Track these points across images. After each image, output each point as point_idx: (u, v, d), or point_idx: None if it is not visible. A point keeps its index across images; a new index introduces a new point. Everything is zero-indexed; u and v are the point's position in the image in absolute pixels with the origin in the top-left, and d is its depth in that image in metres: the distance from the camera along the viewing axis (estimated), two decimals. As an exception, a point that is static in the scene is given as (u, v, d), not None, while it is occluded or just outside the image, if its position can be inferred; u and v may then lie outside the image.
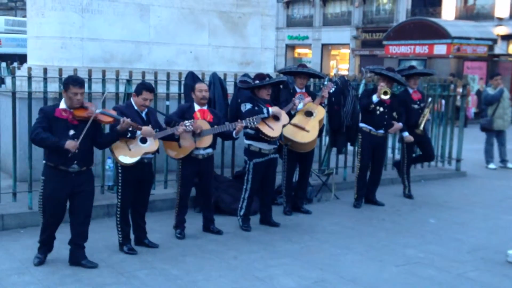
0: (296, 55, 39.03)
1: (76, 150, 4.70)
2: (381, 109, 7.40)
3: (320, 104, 6.93)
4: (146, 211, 5.75)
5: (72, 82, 4.80)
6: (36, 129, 4.75)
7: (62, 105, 4.87)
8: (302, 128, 6.72)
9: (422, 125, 7.93)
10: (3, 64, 9.93)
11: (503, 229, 6.57)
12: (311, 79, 8.26)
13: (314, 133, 6.82)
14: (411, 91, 7.97)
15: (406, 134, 7.77)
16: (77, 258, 5.01)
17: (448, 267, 5.31)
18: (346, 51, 35.47)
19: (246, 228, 6.36)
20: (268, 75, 6.70)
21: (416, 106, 7.93)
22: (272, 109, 6.16)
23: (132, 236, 5.60)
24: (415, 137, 7.98)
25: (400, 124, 7.56)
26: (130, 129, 5.16)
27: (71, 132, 4.80)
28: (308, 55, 37.85)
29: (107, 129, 5.71)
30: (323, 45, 36.34)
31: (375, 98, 7.32)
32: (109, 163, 6.98)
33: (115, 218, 5.52)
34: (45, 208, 4.96)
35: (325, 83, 7.81)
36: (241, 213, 6.43)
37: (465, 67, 19.08)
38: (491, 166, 10.78)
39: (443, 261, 5.47)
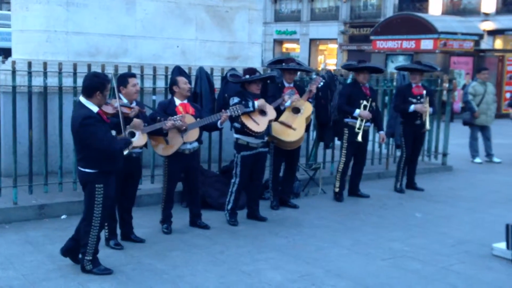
0: (284, 49, 38.99)
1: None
2: (364, 102, 7.40)
3: (308, 99, 6.90)
4: (133, 206, 5.72)
5: (108, 80, 4.67)
6: (105, 137, 4.52)
7: (94, 107, 4.56)
8: (289, 126, 6.70)
9: (427, 124, 7.99)
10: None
11: (488, 223, 6.62)
12: (299, 73, 8.26)
13: (300, 131, 6.79)
14: (413, 85, 7.99)
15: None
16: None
17: (433, 260, 5.35)
18: (334, 46, 35.51)
19: (233, 222, 6.35)
20: (255, 70, 6.68)
21: (414, 100, 7.96)
22: (258, 103, 6.13)
23: (118, 231, 5.57)
24: (414, 132, 8.05)
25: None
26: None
27: (113, 132, 4.78)
28: (296, 50, 37.84)
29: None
30: (311, 40, 36.36)
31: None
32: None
33: (101, 213, 5.48)
34: (104, 215, 4.76)
35: (313, 77, 7.79)
36: (229, 207, 6.42)
37: (451, 62, 19.17)
38: (477, 160, 10.86)
39: (429, 255, 5.51)
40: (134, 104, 5.42)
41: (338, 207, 7.33)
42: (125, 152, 4.85)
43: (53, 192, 6.63)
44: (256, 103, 6.11)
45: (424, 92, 7.96)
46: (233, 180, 6.39)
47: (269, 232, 6.11)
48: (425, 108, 7.88)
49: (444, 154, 10.08)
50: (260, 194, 7.36)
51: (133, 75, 5.50)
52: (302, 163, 8.38)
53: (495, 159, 10.92)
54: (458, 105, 16.40)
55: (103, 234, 5.42)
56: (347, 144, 7.52)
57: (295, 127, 6.72)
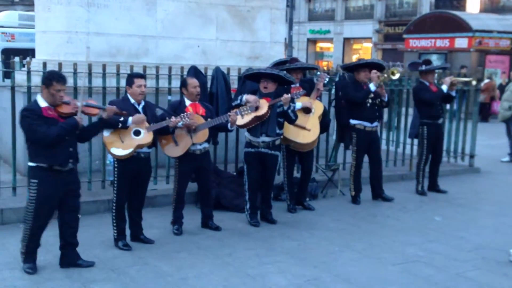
0: (317, 49, 38.70)
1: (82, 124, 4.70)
2: (370, 100, 7.17)
3: (316, 98, 6.74)
4: (143, 206, 5.70)
5: (57, 78, 4.62)
6: (40, 129, 4.49)
7: (43, 103, 4.63)
8: (303, 128, 6.58)
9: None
10: (16, 59, 10.00)
11: (509, 227, 6.36)
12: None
13: (315, 131, 6.67)
14: (427, 84, 7.76)
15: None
16: (72, 259, 4.91)
17: (447, 266, 5.16)
18: (369, 45, 35.01)
19: (254, 223, 6.28)
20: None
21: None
22: (246, 96, 6.01)
23: (128, 232, 5.58)
24: (436, 132, 7.81)
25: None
26: (121, 119, 5.13)
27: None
28: (330, 50, 37.51)
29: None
30: (345, 39, 35.95)
31: (372, 86, 7.05)
32: (110, 157, 6.95)
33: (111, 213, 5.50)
34: (38, 213, 4.69)
35: (317, 74, 7.61)
36: (247, 206, 6.36)
37: (487, 61, 18.63)
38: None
39: (443, 260, 5.32)
40: (142, 105, 5.42)
41: (355, 209, 7.17)
42: (119, 153, 4.94)
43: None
44: (245, 96, 6.00)
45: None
46: (244, 179, 6.35)
47: (281, 235, 6.01)
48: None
49: (471, 156, 9.77)
50: (276, 195, 7.30)
51: (140, 76, 5.48)
52: (321, 164, 8.26)
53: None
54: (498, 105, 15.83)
55: (112, 235, 5.46)
56: (356, 147, 7.31)
57: (309, 128, 6.60)
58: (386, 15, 33.67)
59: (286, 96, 6.04)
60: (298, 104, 6.52)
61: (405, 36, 22.02)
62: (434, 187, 8.13)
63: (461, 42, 19.39)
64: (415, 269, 5.09)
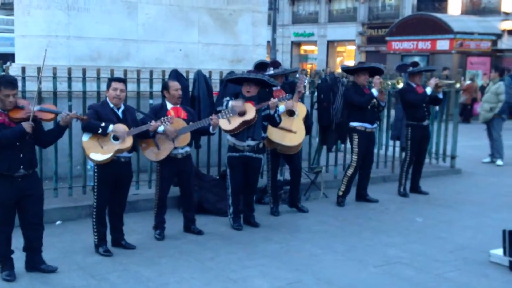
0: (302, 52, 38.83)
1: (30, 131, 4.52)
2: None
3: (298, 100, 6.74)
4: (124, 211, 5.66)
5: (4, 83, 4.51)
6: None
7: None
8: (289, 130, 6.60)
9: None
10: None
11: (490, 228, 6.41)
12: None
13: (301, 134, 6.70)
14: (414, 85, 7.81)
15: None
16: (35, 263, 4.84)
17: (428, 267, 5.19)
18: (352, 48, 35.20)
19: (237, 227, 6.27)
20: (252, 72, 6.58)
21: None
22: (232, 102, 5.99)
23: (109, 238, 5.53)
24: (420, 133, 7.87)
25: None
26: (102, 125, 5.09)
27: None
28: (314, 52, 37.64)
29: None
30: (328, 41, 36.11)
31: (375, 92, 7.21)
32: (90, 162, 6.89)
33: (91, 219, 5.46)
34: None
35: (297, 76, 7.65)
36: (230, 211, 6.35)
37: (468, 63, 18.83)
38: (499, 162, 10.58)
39: (424, 261, 5.35)
40: (121, 109, 5.38)
41: (338, 211, 7.19)
42: (98, 158, 4.86)
43: (48, 198, 6.53)
44: (231, 102, 6.00)
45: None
46: (227, 183, 6.33)
47: (263, 238, 6.00)
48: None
49: (453, 157, 9.85)
50: (260, 198, 7.30)
51: (118, 79, 5.44)
52: (304, 166, 8.26)
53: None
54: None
55: (92, 241, 5.41)
56: (358, 148, 7.35)
57: (295, 130, 6.62)
58: (369, 18, 33.87)
59: (274, 101, 6.09)
60: (282, 107, 6.53)
61: (387, 38, 22.19)
62: (416, 188, 8.19)
63: (442, 44, 19.59)
64: (396, 271, 5.11)
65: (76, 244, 5.63)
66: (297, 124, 6.66)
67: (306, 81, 7.18)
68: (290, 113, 6.65)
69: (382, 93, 7.35)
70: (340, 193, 7.48)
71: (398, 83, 7.54)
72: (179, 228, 6.16)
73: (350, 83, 7.91)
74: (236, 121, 5.98)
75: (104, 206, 5.44)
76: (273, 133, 6.51)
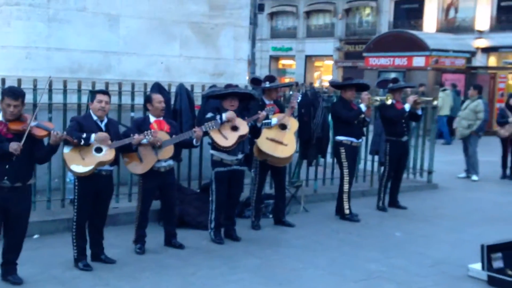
0: (280, 66, 39.14)
1: (18, 153, 4.50)
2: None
3: (291, 115, 6.92)
4: (104, 225, 5.61)
5: (7, 93, 4.60)
6: None
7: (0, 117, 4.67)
8: (280, 142, 6.69)
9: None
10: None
11: (467, 243, 6.51)
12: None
13: (292, 146, 6.83)
14: (394, 101, 7.92)
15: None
16: (5, 272, 4.82)
17: (408, 282, 5.25)
18: (330, 63, 35.63)
19: (219, 241, 6.26)
20: (236, 86, 6.66)
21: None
22: (226, 114, 6.03)
23: (88, 252, 5.46)
24: (399, 149, 7.97)
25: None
26: (84, 136, 5.06)
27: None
28: (292, 66, 37.99)
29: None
30: (306, 56, 36.53)
31: (363, 107, 7.37)
32: (70, 175, 6.83)
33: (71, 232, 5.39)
34: None
35: (291, 93, 7.79)
36: (212, 225, 6.33)
37: (443, 79, 19.16)
38: (474, 177, 10.77)
39: (404, 276, 5.41)
40: (104, 122, 5.36)
41: (318, 225, 7.22)
42: (79, 170, 4.86)
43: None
44: (224, 114, 6.04)
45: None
46: (210, 198, 6.33)
47: (245, 252, 6.01)
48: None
49: (430, 172, 10.00)
50: (240, 212, 7.31)
51: (102, 92, 5.44)
52: (284, 181, 8.29)
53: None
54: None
55: (72, 255, 5.34)
56: (347, 161, 7.43)
57: (286, 143, 6.72)
58: (346, 34, 34.37)
59: (264, 114, 6.27)
60: (274, 120, 6.70)
61: (365, 54, 22.47)
62: (394, 203, 8.28)
63: (418, 60, 19.91)
64: (377, 285, 5.16)
65: (54, 258, 5.55)
66: (288, 137, 6.79)
67: (299, 98, 7.30)
68: (282, 126, 6.75)
69: (369, 109, 7.53)
70: (347, 211, 7.47)
71: (387, 99, 7.65)
72: (159, 242, 6.12)
73: (337, 98, 8.03)
74: (233, 137, 6.03)
75: (85, 220, 5.38)
76: (265, 144, 6.60)
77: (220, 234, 6.37)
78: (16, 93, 4.66)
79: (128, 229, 6.41)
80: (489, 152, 12.11)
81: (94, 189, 5.29)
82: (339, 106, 7.54)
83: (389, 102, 7.67)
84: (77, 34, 8.10)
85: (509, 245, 5.45)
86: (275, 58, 38.71)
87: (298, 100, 7.30)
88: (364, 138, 8.22)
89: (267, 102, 6.92)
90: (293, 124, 6.92)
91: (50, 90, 6.61)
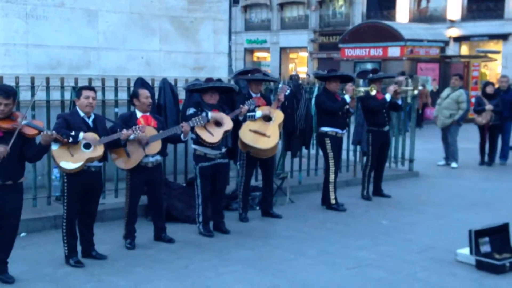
0: (255, 58, 39.12)
1: (4, 155, 4.45)
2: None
3: (277, 107, 6.92)
4: (94, 221, 5.58)
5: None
6: None
7: None
8: (263, 134, 6.70)
9: None
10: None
11: (453, 228, 6.65)
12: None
13: (275, 138, 6.82)
14: (374, 92, 8.00)
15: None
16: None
17: (398, 268, 5.34)
18: (304, 54, 35.76)
19: (208, 234, 6.28)
20: (219, 80, 6.64)
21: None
22: (212, 114, 6.07)
23: (79, 248, 5.42)
24: (381, 139, 8.06)
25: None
26: (72, 133, 5.01)
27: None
28: (267, 59, 38.01)
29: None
30: (281, 48, 36.58)
31: (348, 98, 7.44)
32: (55, 172, 6.77)
33: (61, 230, 5.34)
34: None
35: (280, 86, 7.81)
36: (200, 219, 6.34)
37: (418, 69, 19.43)
38: (454, 165, 10.94)
39: (394, 262, 5.50)
40: (92, 118, 5.31)
41: (305, 216, 7.28)
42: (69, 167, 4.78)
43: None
44: (210, 114, 6.05)
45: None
46: (196, 192, 6.33)
47: (235, 244, 6.03)
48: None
49: (411, 160, 10.15)
50: (227, 205, 7.32)
51: (88, 88, 5.39)
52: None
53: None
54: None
55: (63, 252, 5.30)
56: (333, 153, 7.50)
57: (269, 135, 6.73)
58: (320, 25, 34.51)
59: (246, 108, 6.32)
60: (259, 113, 6.71)
61: (340, 45, 22.63)
62: (378, 191, 8.39)
63: (394, 51, 20.15)
64: (368, 272, 5.24)
65: (44, 256, 5.50)
66: (272, 129, 6.79)
67: (288, 91, 7.30)
68: (267, 118, 6.77)
69: (353, 100, 7.61)
70: (333, 201, 7.56)
71: (371, 90, 7.78)
72: (148, 237, 6.11)
73: (321, 90, 8.07)
74: (219, 133, 6.06)
75: (74, 216, 5.34)
76: (247, 136, 6.61)
77: (209, 226, 6.39)
78: (7, 91, 4.59)
79: (116, 225, 6.40)
80: (466, 140, 12.33)
81: (84, 186, 5.25)
82: (323, 97, 7.60)
83: (373, 93, 7.77)
84: (55, 30, 8.00)
85: (495, 230, 5.58)
86: (249, 51, 38.69)
87: (287, 94, 7.31)
88: (347, 128, 8.31)
89: (253, 95, 6.93)
90: (278, 116, 6.92)
91: (32, 87, 6.50)
